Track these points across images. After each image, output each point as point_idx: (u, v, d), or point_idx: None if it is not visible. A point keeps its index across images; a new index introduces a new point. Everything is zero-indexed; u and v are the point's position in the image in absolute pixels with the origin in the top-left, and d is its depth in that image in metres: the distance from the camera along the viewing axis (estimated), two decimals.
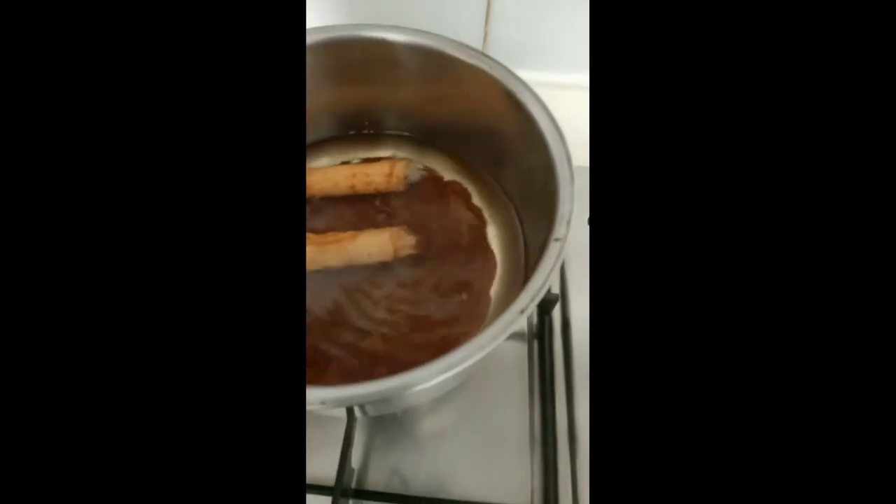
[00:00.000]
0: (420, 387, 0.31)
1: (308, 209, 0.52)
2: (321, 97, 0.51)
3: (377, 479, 0.46)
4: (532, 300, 0.34)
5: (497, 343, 0.33)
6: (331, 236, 0.48)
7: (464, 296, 0.48)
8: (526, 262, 0.49)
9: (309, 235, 0.49)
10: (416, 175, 0.53)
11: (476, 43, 0.61)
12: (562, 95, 0.46)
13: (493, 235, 0.52)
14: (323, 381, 0.43)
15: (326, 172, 0.53)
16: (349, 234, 0.49)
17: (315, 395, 0.31)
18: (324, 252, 0.48)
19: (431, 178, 0.54)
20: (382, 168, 0.52)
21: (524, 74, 0.45)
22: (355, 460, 0.46)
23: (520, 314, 0.34)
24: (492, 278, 0.49)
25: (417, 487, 0.45)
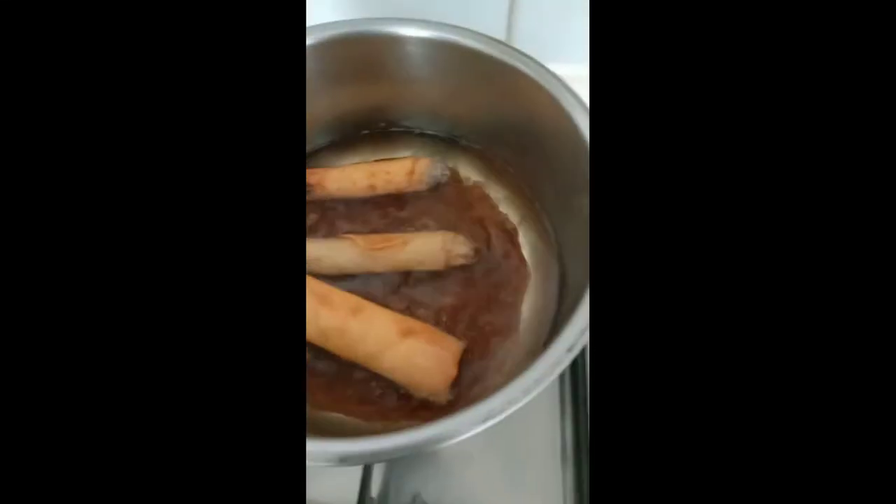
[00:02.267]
0: (454, 440, 0.28)
1: (323, 212, 0.49)
2: (334, 97, 0.47)
3: None
4: (581, 334, 0.30)
5: (543, 386, 0.29)
6: (379, 241, 0.44)
7: (493, 312, 0.44)
8: (561, 275, 0.45)
9: (355, 238, 0.45)
10: (439, 174, 0.49)
11: (500, 36, 0.56)
12: None
13: (523, 243, 0.48)
14: (343, 408, 0.41)
15: (344, 171, 0.49)
16: (399, 238, 0.45)
17: (333, 450, 0.28)
18: (373, 258, 0.44)
19: (453, 181, 0.50)
20: (404, 166, 0.48)
21: (554, 69, 0.40)
22: (374, 487, 0.43)
23: (567, 352, 0.30)
24: (524, 292, 0.45)
25: None
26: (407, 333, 0.39)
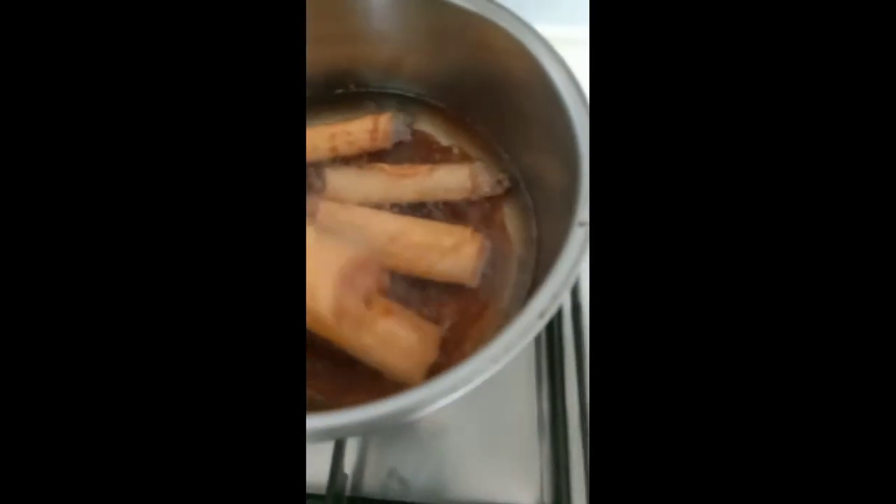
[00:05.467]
0: (422, 412, 0.27)
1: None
2: None
3: (373, 484, 0.42)
4: (554, 299, 0.29)
5: (513, 354, 0.28)
6: (407, 168, 0.45)
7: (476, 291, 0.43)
8: (539, 241, 0.43)
9: (382, 166, 0.45)
10: (403, 131, 0.48)
11: None
12: (581, 53, 0.39)
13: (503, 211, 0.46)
14: (312, 384, 0.39)
15: None
16: (426, 167, 0.45)
17: None
18: (397, 185, 0.44)
19: (425, 143, 0.49)
20: (365, 124, 0.47)
21: (538, 28, 0.39)
22: (348, 464, 0.42)
23: (539, 318, 0.28)
24: (508, 259, 0.44)
25: (418, 491, 0.42)
26: (387, 313, 0.38)
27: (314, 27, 0.42)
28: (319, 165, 0.47)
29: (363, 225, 0.42)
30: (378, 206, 0.44)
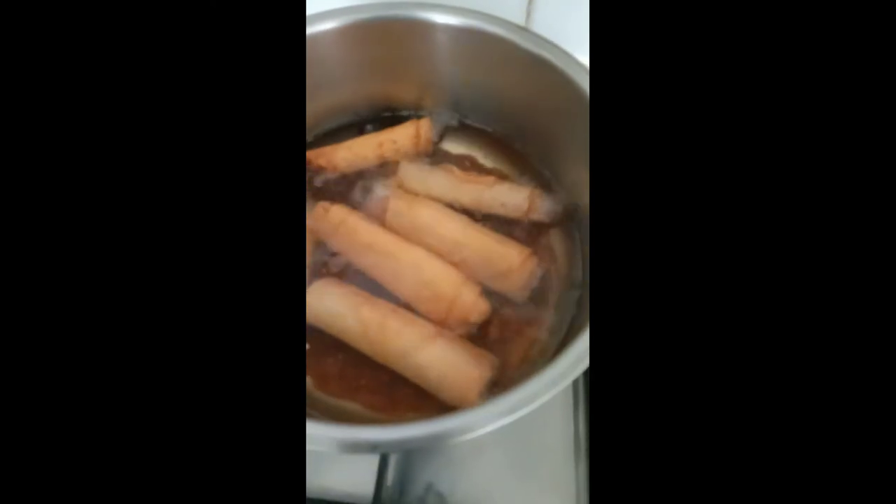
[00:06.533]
0: (478, 431, 0.28)
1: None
2: (355, 82, 0.47)
3: (412, 497, 0.43)
4: None
5: (569, 380, 0.29)
6: (472, 175, 0.47)
7: (520, 301, 0.44)
8: (585, 259, 0.45)
9: (451, 167, 0.47)
10: (443, 133, 0.51)
11: (518, 23, 0.56)
12: None
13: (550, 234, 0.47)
14: (355, 397, 0.41)
15: (351, 147, 0.49)
16: (491, 178, 0.47)
17: (366, 437, 0.28)
18: (459, 188, 0.46)
19: (470, 166, 0.50)
20: (408, 131, 0.49)
21: (582, 57, 0.40)
22: (389, 477, 0.43)
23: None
24: (554, 278, 0.45)
25: None
26: (441, 335, 0.40)
27: (371, 54, 0.45)
28: (370, 174, 0.49)
29: (429, 227, 0.44)
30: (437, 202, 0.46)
